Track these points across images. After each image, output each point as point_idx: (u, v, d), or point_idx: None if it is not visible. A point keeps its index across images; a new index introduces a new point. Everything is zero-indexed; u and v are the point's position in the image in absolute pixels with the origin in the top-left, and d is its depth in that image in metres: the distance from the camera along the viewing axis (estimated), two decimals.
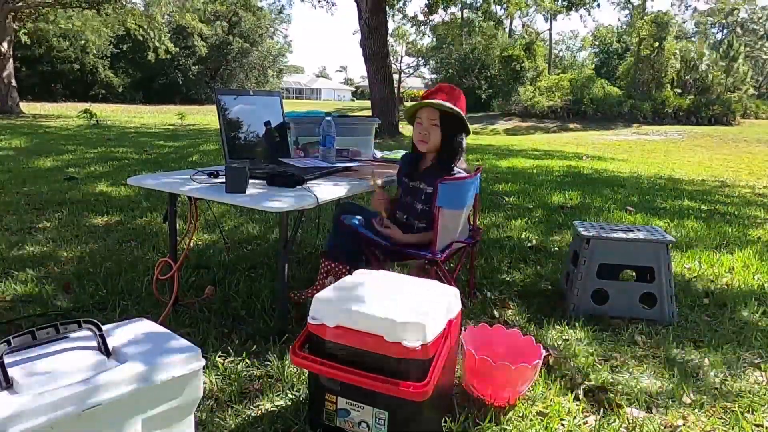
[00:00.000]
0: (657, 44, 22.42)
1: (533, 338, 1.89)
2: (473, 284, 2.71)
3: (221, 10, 34.92)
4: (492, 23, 19.36)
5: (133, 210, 4.20)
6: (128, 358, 1.18)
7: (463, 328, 1.86)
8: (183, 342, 1.30)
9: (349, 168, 2.54)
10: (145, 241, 3.39)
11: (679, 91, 23.66)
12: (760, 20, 38.70)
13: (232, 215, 4.13)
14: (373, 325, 1.42)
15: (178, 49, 28.17)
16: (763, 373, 2.04)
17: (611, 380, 1.95)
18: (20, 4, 16.84)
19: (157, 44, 21.55)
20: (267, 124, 2.59)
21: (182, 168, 5.82)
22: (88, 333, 1.22)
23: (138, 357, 1.19)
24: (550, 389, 1.85)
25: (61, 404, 1.05)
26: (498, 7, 17.44)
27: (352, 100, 59.76)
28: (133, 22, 19.49)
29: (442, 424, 1.63)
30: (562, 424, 1.68)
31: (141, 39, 21.71)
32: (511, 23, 34.53)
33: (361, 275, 1.71)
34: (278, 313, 2.19)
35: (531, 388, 1.83)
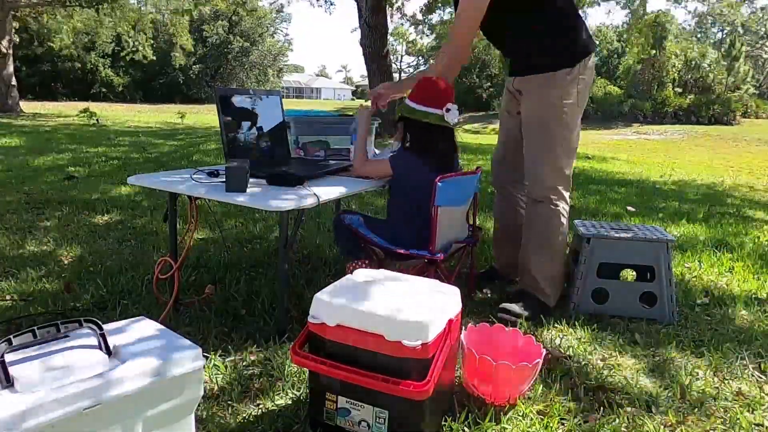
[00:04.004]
0: (654, 52, 22.44)
1: (533, 337, 1.89)
2: (473, 283, 2.71)
3: (221, 9, 34.94)
4: None
5: (134, 209, 4.20)
6: (129, 357, 1.18)
7: (463, 328, 1.87)
8: (183, 341, 1.30)
9: (348, 168, 2.54)
10: (145, 241, 3.39)
11: (680, 90, 23.67)
12: (761, 20, 38.67)
13: (233, 214, 4.13)
14: (374, 324, 1.42)
15: (155, 58, 28.26)
16: (763, 373, 2.04)
17: (611, 379, 1.95)
18: (20, 2, 16.83)
19: (139, 48, 21.68)
20: (267, 123, 2.60)
21: (183, 167, 5.82)
22: (88, 332, 1.22)
23: (139, 356, 1.19)
24: (550, 388, 1.86)
25: (62, 403, 1.05)
26: None
27: (353, 100, 59.76)
28: (124, 26, 19.55)
29: (443, 423, 1.63)
30: (562, 423, 1.69)
31: (128, 40, 21.80)
32: None
33: (361, 274, 1.71)
34: (278, 313, 2.19)
35: (531, 388, 1.83)
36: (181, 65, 35.36)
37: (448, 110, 2.25)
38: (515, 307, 2.39)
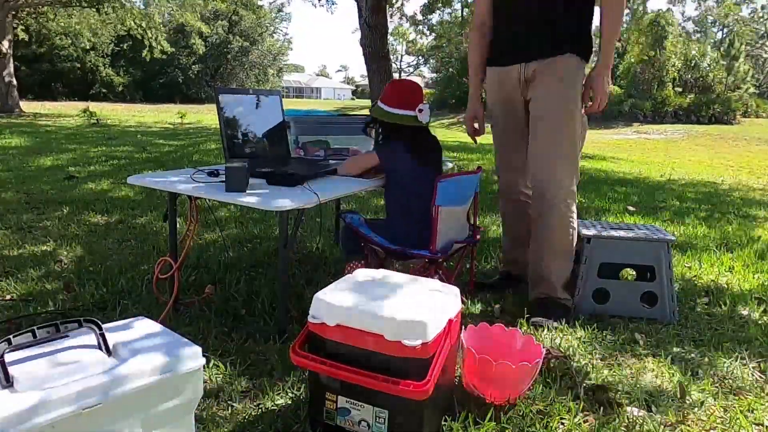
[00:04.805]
0: (653, 53, 22.43)
1: (533, 337, 1.89)
2: (473, 283, 2.71)
3: (222, 8, 34.98)
4: None
5: (134, 209, 4.20)
6: (129, 357, 1.18)
7: (463, 327, 1.87)
8: (183, 341, 1.30)
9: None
10: (146, 240, 3.39)
11: (680, 90, 23.66)
12: (761, 19, 38.67)
13: (233, 214, 4.13)
14: (374, 324, 1.42)
15: (174, 49, 28.29)
16: (763, 373, 2.04)
17: (611, 379, 1.95)
18: (21, 2, 16.83)
19: (153, 44, 21.60)
20: (267, 122, 2.60)
21: (183, 167, 5.82)
22: (88, 332, 1.22)
23: (138, 356, 1.19)
24: (550, 388, 1.86)
25: (61, 403, 1.05)
26: None
27: (353, 99, 59.76)
28: (133, 21, 19.54)
29: (443, 423, 1.63)
30: (562, 423, 1.68)
31: (139, 38, 21.76)
32: None
33: (361, 274, 1.71)
34: (278, 313, 2.19)
35: (531, 387, 1.83)
36: (186, 62, 35.39)
37: (420, 110, 2.30)
38: (544, 321, 2.32)
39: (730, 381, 1.96)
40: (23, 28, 20.06)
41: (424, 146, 2.37)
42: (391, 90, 2.37)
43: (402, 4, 20.13)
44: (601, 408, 1.77)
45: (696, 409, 1.78)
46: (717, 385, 1.93)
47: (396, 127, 2.32)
